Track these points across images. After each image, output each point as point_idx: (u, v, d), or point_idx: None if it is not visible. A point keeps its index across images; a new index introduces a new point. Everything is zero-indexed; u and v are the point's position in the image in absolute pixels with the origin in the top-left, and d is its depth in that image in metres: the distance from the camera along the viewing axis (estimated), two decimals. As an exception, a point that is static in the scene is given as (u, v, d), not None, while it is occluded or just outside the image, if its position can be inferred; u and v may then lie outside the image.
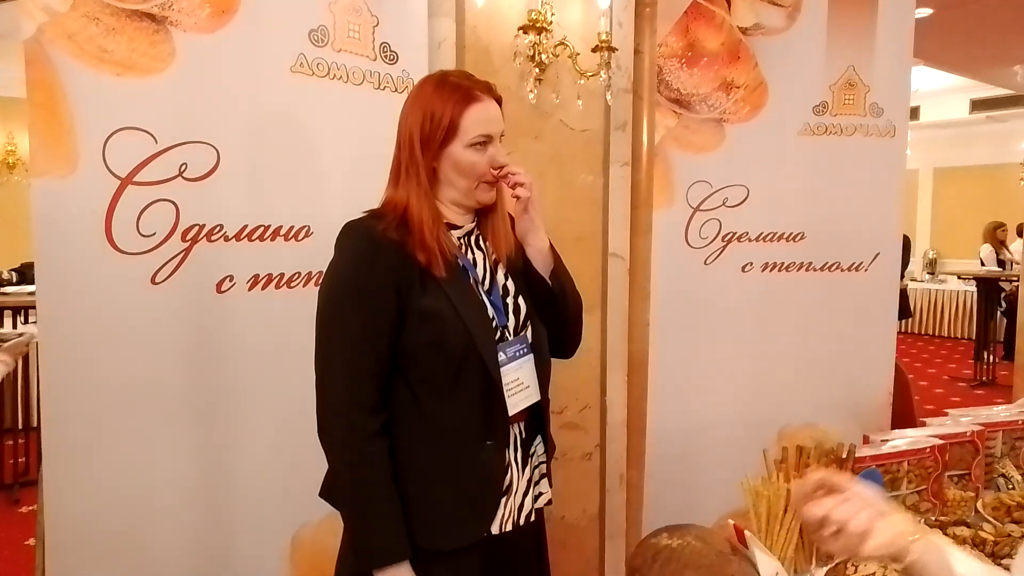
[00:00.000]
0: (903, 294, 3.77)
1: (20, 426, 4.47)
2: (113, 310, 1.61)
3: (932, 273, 10.14)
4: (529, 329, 1.49)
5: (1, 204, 5.44)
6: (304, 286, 1.85)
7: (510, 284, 1.49)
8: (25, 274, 4.39)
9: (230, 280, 1.74)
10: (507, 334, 1.44)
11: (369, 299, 1.34)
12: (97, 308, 1.59)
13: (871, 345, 2.96)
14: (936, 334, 9.78)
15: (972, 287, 8.22)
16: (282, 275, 1.81)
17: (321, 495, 1.49)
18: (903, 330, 8.98)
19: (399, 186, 1.40)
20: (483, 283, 1.45)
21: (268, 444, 1.84)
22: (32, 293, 4.21)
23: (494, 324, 1.42)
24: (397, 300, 1.34)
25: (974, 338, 7.73)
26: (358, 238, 1.37)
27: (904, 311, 3.51)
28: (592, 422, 2.74)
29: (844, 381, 2.90)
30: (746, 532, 1.54)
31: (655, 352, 2.76)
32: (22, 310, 4.23)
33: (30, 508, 3.96)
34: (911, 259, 8.94)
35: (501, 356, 1.41)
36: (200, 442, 1.75)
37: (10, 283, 4.33)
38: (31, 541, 3.56)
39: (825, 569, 1.68)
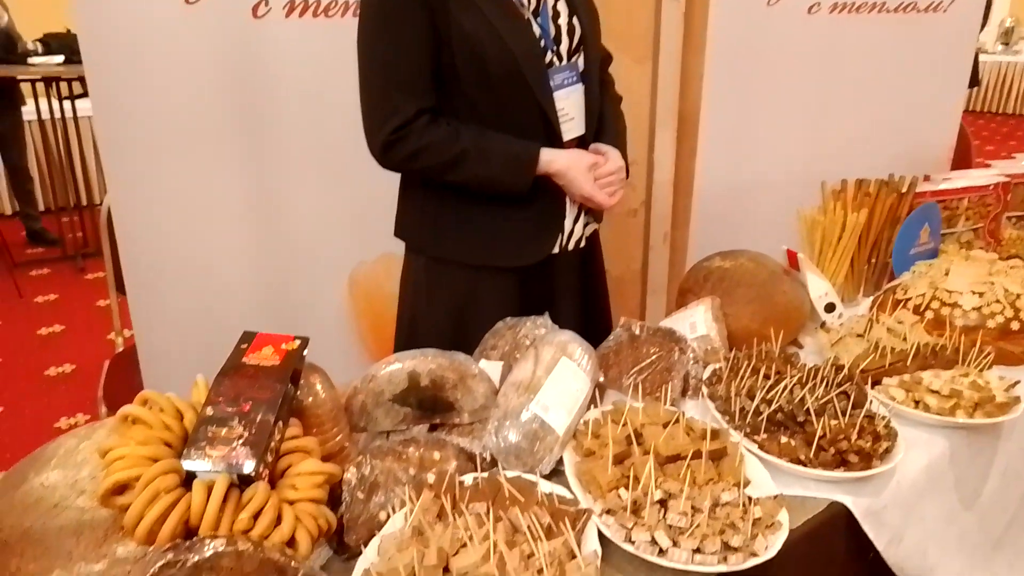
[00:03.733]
0: (974, 58, 3.44)
1: (73, 204, 4.61)
2: (151, 32, 1.56)
3: (1007, 44, 9.34)
4: (581, 56, 1.40)
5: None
6: (342, 16, 1.74)
7: (561, 5, 1.38)
8: (50, 44, 4.27)
9: (265, 4, 1.64)
10: (555, 59, 1.36)
11: (396, 19, 1.26)
12: (135, 29, 1.54)
13: (940, 98, 2.78)
14: (1000, 111, 9.24)
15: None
16: (319, 2, 1.71)
17: (397, 235, 1.51)
18: (967, 108, 8.48)
19: None
20: (528, 2, 1.34)
21: (316, 180, 1.85)
22: (59, 64, 4.17)
23: (542, 45, 1.33)
24: (429, 18, 1.26)
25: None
26: None
27: (973, 78, 3.23)
28: (638, 179, 2.69)
29: (906, 137, 2.77)
30: (799, 255, 1.54)
31: (708, 107, 2.62)
32: (53, 81, 4.16)
33: (95, 275, 4.20)
34: (986, 25, 8.19)
35: (550, 82, 1.34)
36: (250, 176, 1.76)
37: (35, 54, 4.22)
38: (102, 302, 3.82)
39: (871, 298, 1.70)
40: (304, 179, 1.84)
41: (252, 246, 1.83)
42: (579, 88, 1.40)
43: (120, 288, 2.20)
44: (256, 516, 0.78)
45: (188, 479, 0.80)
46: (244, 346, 0.93)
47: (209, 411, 0.84)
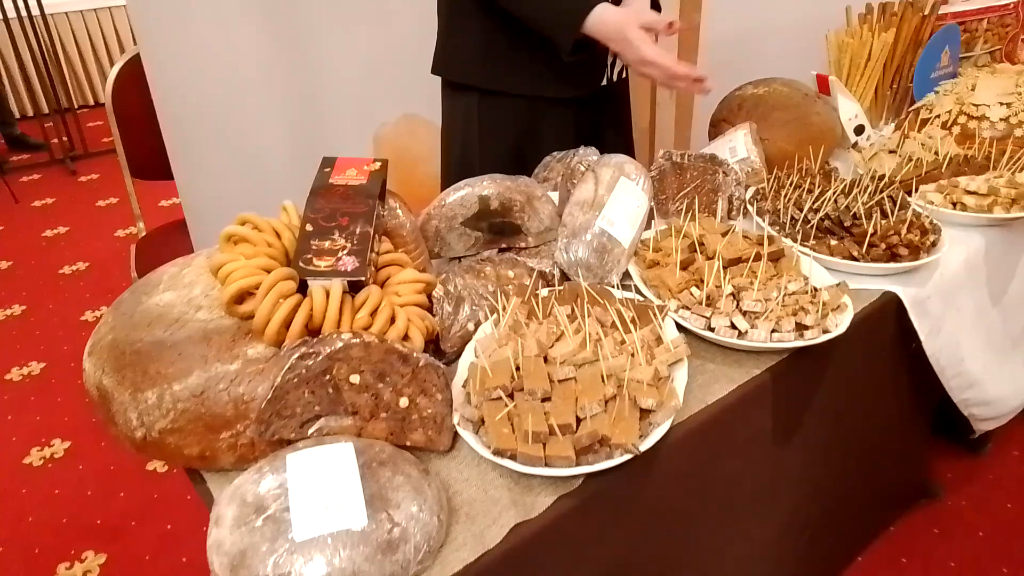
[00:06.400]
0: None
1: (52, 109, 4.45)
2: None
3: None
4: None
5: None
6: None
7: None
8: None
9: None
10: None
11: None
12: None
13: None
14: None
15: None
16: None
17: (439, 72, 1.47)
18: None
19: None
20: None
21: (340, 33, 1.82)
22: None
23: None
24: None
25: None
26: None
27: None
28: (643, 33, 2.64)
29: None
30: (830, 78, 1.56)
31: (711, -49, 2.54)
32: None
33: (88, 177, 4.12)
34: None
35: None
36: (275, 31, 1.72)
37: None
38: (101, 202, 3.77)
39: (894, 123, 1.73)
40: (328, 32, 1.81)
41: (279, 93, 1.82)
42: None
43: (136, 173, 2.19)
44: (372, 316, 0.83)
45: (300, 289, 0.84)
46: (328, 169, 0.95)
47: (309, 227, 0.87)
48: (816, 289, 1.01)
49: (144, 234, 2.28)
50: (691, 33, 2.73)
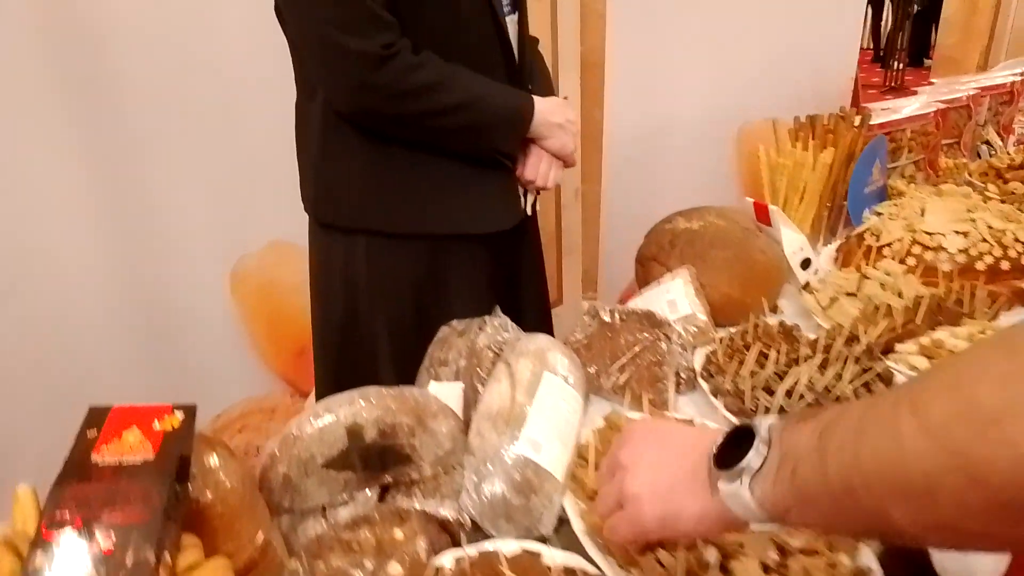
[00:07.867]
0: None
1: None
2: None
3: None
4: None
5: None
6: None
7: None
8: None
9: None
10: None
11: None
12: None
13: (837, 27, 2.72)
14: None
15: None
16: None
17: (314, 212, 1.22)
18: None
19: None
20: None
21: (179, 158, 1.47)
22: None
23: None
24: None
25: (875, 46, 7.89)
26: None
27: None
28: (544, 132, 2.45)
29: (809, 68, 2.69)
30: (771, 207, 1.34)
31: (611, 49, 2.42)
32: None
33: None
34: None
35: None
36: (90, 156, 1.36)
37: None
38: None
39: (832, 247, 1.55)
40: (163, 156, 1.46)
41: (103, 250, 1.43)
42: (515, 18, 1.21)
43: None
44: None
45: None
46: (93, 433, 0.59)
47: (38, 560, 0.51)
48: (831, 548, 0.72)
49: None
50: (595, 128, 2.59)
